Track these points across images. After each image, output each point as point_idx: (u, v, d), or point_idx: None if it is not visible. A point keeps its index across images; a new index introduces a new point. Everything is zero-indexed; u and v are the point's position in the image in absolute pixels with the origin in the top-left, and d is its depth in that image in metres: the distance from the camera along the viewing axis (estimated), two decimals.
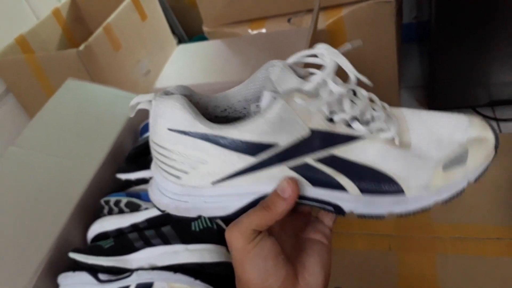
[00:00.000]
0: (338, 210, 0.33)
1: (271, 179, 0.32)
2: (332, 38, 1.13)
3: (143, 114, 0.81)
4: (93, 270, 0.56)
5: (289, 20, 1.08)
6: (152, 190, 0.35)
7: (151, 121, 0.33)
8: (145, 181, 0.68)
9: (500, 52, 1.18)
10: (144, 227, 0.59)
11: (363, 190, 0.32)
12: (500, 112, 1.33)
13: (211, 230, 0.55)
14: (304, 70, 0.33)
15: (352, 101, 0.32)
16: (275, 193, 0.32)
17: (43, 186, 0.64)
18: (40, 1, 1.49)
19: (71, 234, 0.60)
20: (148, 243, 0.56)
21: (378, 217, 0.33)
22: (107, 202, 0.63)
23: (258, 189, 0.32)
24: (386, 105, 0.35)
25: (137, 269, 0.55)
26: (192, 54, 0.93)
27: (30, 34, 1.26)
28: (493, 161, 0.33)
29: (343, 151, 0.31)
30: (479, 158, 0.32)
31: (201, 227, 0.56)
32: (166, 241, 0.56)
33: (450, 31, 1.16)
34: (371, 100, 0.34)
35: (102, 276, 0.56)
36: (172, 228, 0.57)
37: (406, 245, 0.49)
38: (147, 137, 0.73)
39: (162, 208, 0.35)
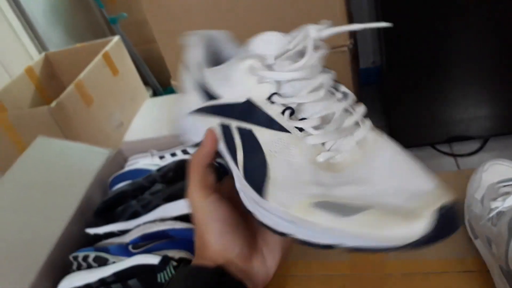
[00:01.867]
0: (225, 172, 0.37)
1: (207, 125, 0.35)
2: None
3: (113, 168, 0.83)
4: None
5: None
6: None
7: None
8: (113, 234, 0.69)
9: (453, 91, 1.26)
10: (112, 281, 0.60)
11: (245, 174, 0.31)
12: (457, 147, 1.40)
13: None
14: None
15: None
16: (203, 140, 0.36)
17: (11, 244, 0.65)
18: (13, 59, 1.53)
19: None
20: None
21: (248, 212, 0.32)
22: (75, 258, 0.64)
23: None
24: (367, 121, 0.31)
25: None
26: (160, 107, 0.97)
27: (3, 92, 1.29)
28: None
29: (259, 131, 0.30)
30: (372, 223, 0.24)
31: (166, 278, 0.57)
32: None
33: (402, 74, 1.24)
34: (348, 110, 0.30)
35: None
36: (138, 280, 0.58)
37: (360, 284, 0.51)
38: (115, 190, 0.75)
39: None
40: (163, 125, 0.90)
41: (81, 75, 1.22)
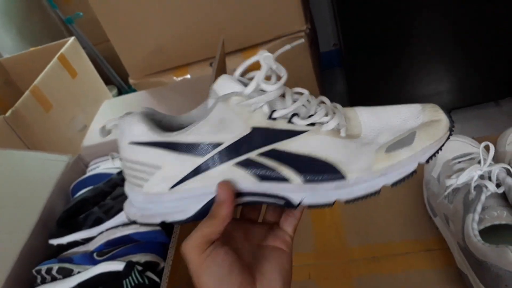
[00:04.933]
0: (287, 203, 0.34)
1: (221, 177, 0.33)
2: None
3: (74, 174, 0.81)
4: None
5: (211, 64, 1.12)
6: (126, 204, 0.37)
7: (118, 140, 0.36)
8: (77, 243, 0.68)
9: (412, 68, 1.27)
10: None
11: (305, 179, 0.33)
12: None
13: (142, 286, 0.56)
14: (249, 77, 0.35)
15: (294, 101, 0.34)
16: (215, 201, 0.34)
17: None
18: None
19: None
20: None
21: (327, 205, 0.34)
22: (38, 272, 0.62)
23: (211, 190, 0.34)
24: (338, 105, 0.36)
25: None
26: (118, 108, 0.94)
27: None
28: (448, 141, 0.34)
29: (284, 145, 0.33)
30: (427, 138, 0.32)
31: (132, 284, 0.56)
32: None
33: (361, 55, 1.24)
34: (322, 102, 0.36)
35: None
36: None
37: (325, 273, 0.51)
38: (78, 197, 0.73)
39: (131, 218, 0.36)
40: None
41: (37, 80, 1.18)
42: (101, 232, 0.66)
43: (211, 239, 0.33)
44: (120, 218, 0.66)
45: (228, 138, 0.33)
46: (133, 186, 0.35)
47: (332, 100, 0.37)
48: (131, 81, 1.22)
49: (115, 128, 0.36)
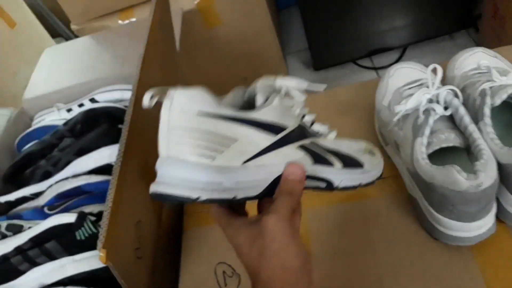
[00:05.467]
0: (329, 185, 0.39)
1: (286, 157, 0.36)
2: (203, 16, 1.13)
3: (18, 129, 0.77)
4: None
5: None
6: (175, 186, 0.32)
7: (175, 110, 0.33)
8: (26, 199, 0.65)
9: (369, 4, 1.24)
10: (28, 247, 0.56)
11: (344, 165, 0.39)
12: (377, 60, 1.42)
13: (96, 236, 0.54)
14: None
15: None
16: (291, 180, 0.35)
17: None
18: None
19: None
20: (34, 263, 0.54)
21: (353, 188, 0.40)
22: None
23: (279, 168, 0.36)
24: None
25: None
26: (60, 55, 0.88)
27: None
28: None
29: (317, 141, 0.39)
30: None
31: (86, 234, 0.54)
32: (51, 257, 0.54)
33: None
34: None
35: None
36: (57, 242, 0.55)
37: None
38: (24, 152, 0.69)
39: (195, 196, 0.32)
40: (67, 74, 0.82)
41: None
42: (51, 186, 0.64)
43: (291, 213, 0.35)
44: (69, 169, 0.63)
45: (290, 125, 0.37)
46: (201, 158, 0.32)
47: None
48: (73, 27, 1.14)
49: (164, 96, 0.34)
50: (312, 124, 0.41)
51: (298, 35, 1.57)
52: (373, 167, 0.42)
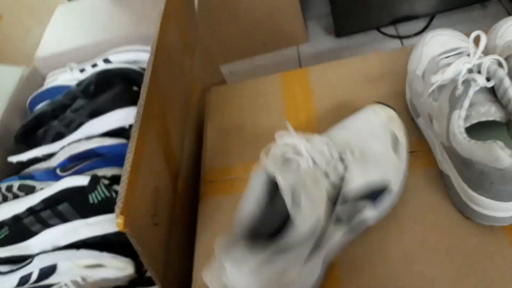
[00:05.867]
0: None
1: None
2: None
3: (30, 88, 0.75)
4: None
5: None
6: None
7: None
8: (38, 160, 0.63)
9: None
10: (41, 208, 0.55)
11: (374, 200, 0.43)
12: (402, 29, 1.36)
13: (110, 200, 0.53)
14: None
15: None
16: None
17: None
18: None
19: None
20: (46, 225, 0.53)
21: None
22: None
23: None
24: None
25: (39, 253, 0.53)
26: (73, 14, 0.85)
27: None
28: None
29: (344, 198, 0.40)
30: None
31: (99, 198, 0.53)
32: (64, 219, 0.53)
33: None
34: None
35: (2, 268, 0.53)
36: (69, 204, 0.53)
37: None
38: (36, 112, 0.68)
39: None
40: (80, 33, 0.79)
41: None
42: (63, 147, 0.62)
43: None
44: (82, 131, 0.61)
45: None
46: None
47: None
48: None
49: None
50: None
51: (320, 1, 1.51)
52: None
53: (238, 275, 0.34)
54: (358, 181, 0.40)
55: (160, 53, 0.43)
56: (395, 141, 0.45)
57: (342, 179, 0.40)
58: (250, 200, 0.38)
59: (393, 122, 0.46)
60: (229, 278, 0.34)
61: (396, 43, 1.33)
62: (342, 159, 0.40)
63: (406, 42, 1.32)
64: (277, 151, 0.39)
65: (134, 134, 0.38)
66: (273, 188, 0.39)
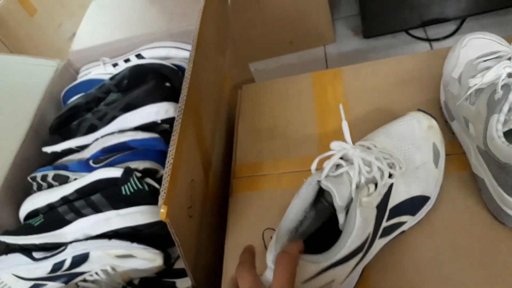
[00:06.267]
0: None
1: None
2: None
3: (64, 80, 0.76)
4: (27, 250, 0.55)
5: None
6: None
7: None
8: (72, 151, 0.65)
9: None
10: (74, 198, 0.57)
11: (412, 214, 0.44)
12: (431, 32, 1.34)
13: (142, 192, 0.54)
14: None
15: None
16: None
17: None
18: None
19: (1, 216, 0.58)
20: (79, 214, 0.54)
21: None
22: (33, 179, 0.60)
23: None
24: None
25: (72, 242, 0.54)
26: (107, 9, 0.86)
27: None
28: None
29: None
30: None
31: (131, 190, 0.54)
32: (97, 209, 0.54)
33: None
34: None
35: (36, 254, 0.54)
36: (102, 195, 0.55)
37: None
38: (70, 104, 0.69)
39: None
40: (113, 28, 0.81)
41: None
42: (96, 139, 0.63)
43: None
44: (115, 124, 0.63)
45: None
46: None
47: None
48: None
49: None
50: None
51: (348, 1, 1.50)
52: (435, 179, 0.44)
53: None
54: (403, 195, 0.41)
55: (200, 49, 0.44)
56: (436, 153, 0.45)
57: (389, 190, 0.40)
58: (299, 208, 0.39)
59: (435, 133, 0.46)
60: None
61: (425, 46, 1.31)
62: (390, 174, 0.40)
63: (436, 45, 1.30)
64: (331, 162, 0.39)
65: (176, 128, 0.38)
66: (320, 199, 0.40)
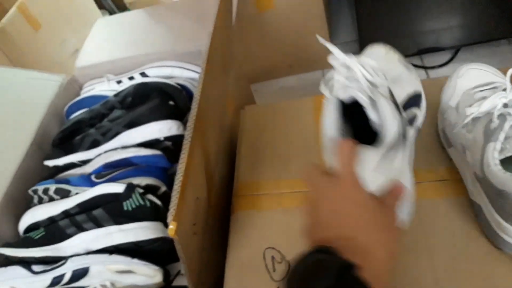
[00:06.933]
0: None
1: None
2: None
3: (67, 95, 0.77)
4: (26, 263, 0.55)
5: None
6: None
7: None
8: (73, 165, 0.66)
9: (422, 1, 1.20)
10: (76, 212, 0.57)
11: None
12: (427, 60, 1.38)
13: (143, 208, 0.54)
14: None
15: None
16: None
17: None
18: None
19: (1, 229, 0.58)
20: (81, 228, 0.54)
21: None
22: (35, 192, 0.61)
23: None
24: None
25: (72, 256, 0.54)
26: (113, 27, 0.88)
27: None
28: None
29: None
30: None
31: (133, 205, 0.55)
32: (98, 224, 0.54)
33: None
34: None
35: (36, 268, 0.54)
36: (104, 210, 0.55)
37: None
38: (72, 119, 0.70)
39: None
40: (118, 46, 0.83)
41: None
42: (99, 155, 0.64)
43: None
44: (118, 140, 0.64)
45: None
46: None
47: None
48: (126, 1, 1.14)
49: None
50: None
51: (346, 25, 1.53)
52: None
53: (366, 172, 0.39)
54: (402, 96, 0.45)
55: (208, 70, 0.45)
56: (405, 62, 0.52)
57: (391, 93, 0.44)
58: (331, 126, 0.43)
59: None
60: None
61: (421, 73, 1.34)
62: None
63: (432, 73, 1.34)
64: (337, 76, 0.44)
65: (185, 146, 0.40)
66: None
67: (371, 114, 0.41)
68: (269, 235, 0.49)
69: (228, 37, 0.67)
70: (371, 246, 0.35)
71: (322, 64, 1.42)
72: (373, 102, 0.41)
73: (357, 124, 0.45)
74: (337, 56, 0.45)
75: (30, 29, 1.12)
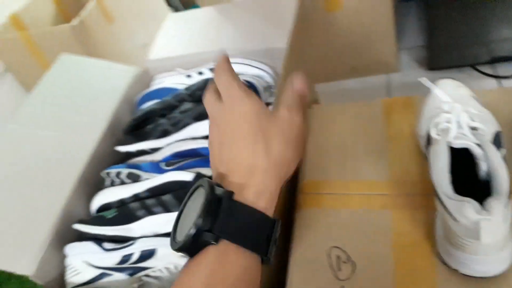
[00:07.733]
0: None
1: None
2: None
3: (139, 86, 0.81)
4: (98, 240, 0.58)
5: None
6: None
7: None
8: (144, 152, 0.69)
9: (498, 8, 1.15)
10: (145, 196, 0.60)
11: None
12: (501, 69, 1.30)
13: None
14: None
15: None
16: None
17: (44, 161, 0.65)
18: None
19: (75, 207, 0.61)
20: (150, 212, 0.57)
21: None
22: (108, 174, 0.64)
23: None
24: None
25: (140, 237, 0.57)
26: (184, 23, 0.91)
27: (23, 12, 1.24)
28: None
29: None
30: None
31: None
32: (167, 209, 0.57)
33: None
34: None
35: (106, 245, 0.57)
36: (173, 196, 0.57)
37: (401, 203, 0.50)
38: (144, 109, 0.74)
39: None
40: (188, 41, 0.86)
41: None
42: (169, 144, 0.67)
43: None
44: (188, 131, 0.66)
45: None
46: None
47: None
48: None
49: None
50: None
51: (413, 30, 1.48)
52: None
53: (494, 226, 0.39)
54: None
55: (287, 68, 0.46)
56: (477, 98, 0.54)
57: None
58: (443, 170, 0.44)
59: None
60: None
61: (491, 82, 1.28)
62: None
63: (505, 83, 1.27)
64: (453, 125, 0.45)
65: None
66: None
67: (483, 165, 0.43)
68: (335, 234, 0.50)
69: (299, 36, 0.68)
70: (250, 157, 0.36)
71: (386, 68, 1.39)
72: (485, 152, 0.43)
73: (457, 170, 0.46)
74: (444, 100, 0.47)
75: (105, 22, 1.18)
